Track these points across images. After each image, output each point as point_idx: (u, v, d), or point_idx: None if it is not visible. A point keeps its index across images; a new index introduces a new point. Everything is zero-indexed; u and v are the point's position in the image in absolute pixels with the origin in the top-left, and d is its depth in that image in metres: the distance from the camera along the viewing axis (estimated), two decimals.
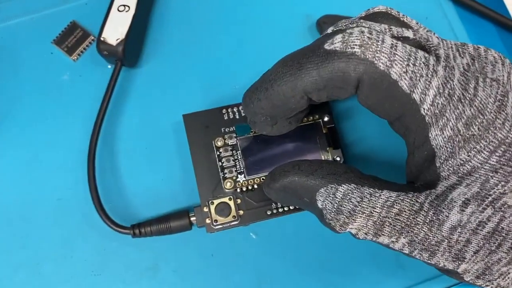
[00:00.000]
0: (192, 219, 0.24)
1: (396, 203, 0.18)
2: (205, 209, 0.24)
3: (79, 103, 0.27)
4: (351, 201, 0.19)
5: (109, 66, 0.28)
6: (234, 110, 0.25)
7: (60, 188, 0.26)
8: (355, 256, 0.26)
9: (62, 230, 0.25)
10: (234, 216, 0.24)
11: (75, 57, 0.28)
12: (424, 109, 0.17)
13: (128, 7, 0.26)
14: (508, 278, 0.19)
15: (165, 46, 0.29)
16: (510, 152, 0.17)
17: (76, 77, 0.28)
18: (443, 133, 0.17)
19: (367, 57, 0.17)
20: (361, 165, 0.26)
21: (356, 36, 0.17)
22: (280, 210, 0.24)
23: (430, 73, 0.17)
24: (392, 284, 0.25)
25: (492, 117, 0.17)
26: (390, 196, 0.19)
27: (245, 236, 0.26)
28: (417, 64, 0.17)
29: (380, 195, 0.19)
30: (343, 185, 0.19)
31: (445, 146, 0.18)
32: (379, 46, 0.17)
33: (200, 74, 0.28)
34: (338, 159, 0.25)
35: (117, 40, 0.26)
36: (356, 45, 0.17)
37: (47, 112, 0.27)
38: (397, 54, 0.17)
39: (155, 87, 0.28)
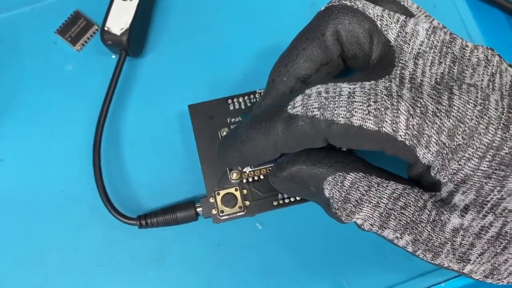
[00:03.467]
0: (198, 209, 0.24)
1: (402, 196, 0.18)
2: (211, 200, 0.24)
3: (84, 93, 0.27)
4: (358, 190, 0.19)
5: (114, 56, 0.27)
6: (240, 100, 0.25)
7: (65, 179, 0.26)
8: (362, 247, 0.25)
9: (67, 221, 0.25)
10: (240, 207, 0.24)
11: (79, 47, 0.28)
12: (400, 135, 0.17)
13: None
14: None
15: (170, 36, 0.28)
16: (500, 156, 0.17)
17: (80, 68, 0.28)
18: (429, 150, 0.17)
19: (327, 117, 0.17)
20: (367, 158, 0.26)
21: (314, 99, 0.18)
22: (287, 200, 0.24)
23: (395, 101, 0.17)
24: (400, 275, 0.25)
25: (474, 123, 0.17)
26: (397, 188, 0.19)
27: (252, 227, 0.26)
28: (378, 100, 0.17)
29: (387, 186, 0.19)
30: (351, 173, 0.19)
31: (436, 160, 0.17)
32: (336, 102, 0.17)
33: (205, 63, 0.28)
34: (344, 148, 0.24)
35: (121, 29, 0.25)
36: (315, 108, 0.17)
37: (51, 103, 0.27)
38: (355, 102, 0.17)
39: (160, 77, 0.28)
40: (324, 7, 0.21)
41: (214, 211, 0.24)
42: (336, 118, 0.17)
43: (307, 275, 0.25)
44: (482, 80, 0.18)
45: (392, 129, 0.17)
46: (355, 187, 0.19)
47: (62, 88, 0.27)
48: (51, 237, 0.25)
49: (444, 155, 0.17)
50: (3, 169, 0.26)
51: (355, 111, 0.17)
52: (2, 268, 0.25)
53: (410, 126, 0.17)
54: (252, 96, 0.25)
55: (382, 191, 0.19)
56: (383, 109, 0.17)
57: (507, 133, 0.17)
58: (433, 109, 0.17)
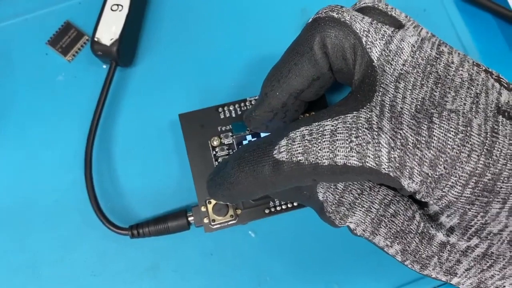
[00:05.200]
0: (190, 219, 0.24)
1: (392, 203, 0.19)
2: (203, 209, 0.24)
3: (75, 103, 0.27)
4: (351, 193, 0.19)
5: (104, 66, 0.27)
6: (230, 108, 0.25)
7: (58, 189, 0.26)
8: (355, 254, 0.25)
9: (60, 232, 0.25)
10: (231, 215, 0.24)
11: (70, 58, 0.28)
12: (384, 169, 0.17)
13: (122, 6, 0.26)
14: None
15: (160, 45, 0.28)
16: (483, 183, 0.17)
17: (71, 78, 0.28)
18: (413, 180, 0.17)
19: (311, 161, 0.17)
20: None
21: (298, 144, 0.18)
22: (278, 208, 0.24)
23: (376, 134, 0.17)
24: (393, 281, 0.25)
25: (456, 153, 0.16)
26: (388, 194, 0.19)
27: (244, 235, 0.26)
28: (360, 134, 0.17)
29: (378, 191, 0.19)
30: None
31: (421, 188, 0.17)
32: (319, 144, 0.17)
33: (195, 72, 0.28)
34: None
35: (111, 40, 0.26)
36: (299, 153, 0.17)
37: (43, 113, 0.27)
38: (337, 140, 0.17)
39: (151, 86, 0.28)
40: (311, 19, 0.20)
41: (205, 220, 0.24)
42: (320, 160, 0.17)
43: (300, 282, 0.25)
44: (465, 104, 0.17)
45: (375, 163, 0.17)
46: (348, 190, 0.19)
47: (54, 99, 0.27)
48: (44, 248, 0.25)
49: (428, 184, 0.17)
50: None
51: (338, 150, 0.17)
52: None
53: (392, 159, 0.17)
54: (242, 104, 0.25)
55: (374, 196, 0.19)
56: (364, 144, 0.17)
57: (490, 159, 0.16)
58: (413, 140, 0.17)
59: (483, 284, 0.19)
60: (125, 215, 0.26)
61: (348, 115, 0.18)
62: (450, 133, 0.17)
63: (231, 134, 0.25)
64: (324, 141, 0.17)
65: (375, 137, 0.17)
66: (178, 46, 0.28)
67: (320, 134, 0.18)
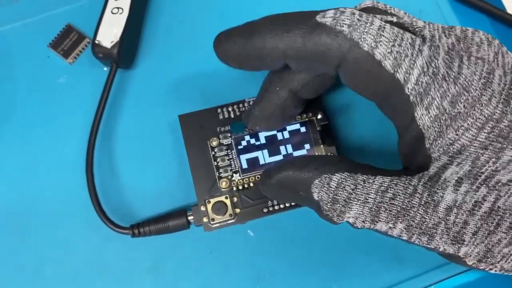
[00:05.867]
0: (189, 218, 0.24)
1: (390, 187, 0.19)
2: (202, 208, 0.24)
3: (76, 105, 0.27)
4: (345, 189, 0.19)
5: (105, 68, 0.28)
6: (229, 109, 0.26)
7: (60, 190, 0.26)
8: (352, 251, 0.26)
9: (62, 231, 0.26)
10: (230, 215, 0.24)
11: (71, 60, 0.28)
12: (408, 88, 0.17)
13: (122, 9, 0.26)
14: (511, 260, 0.19)
15: (160, 47, 0.29)
16: (499, 128, 0.17)
17: (73, 80, 0.28)
18: (429, 112, 0.17)
19: (353, 37, 0.17)
20: (355, 156, 0.26)
21: (347, 16, 0.18)
22: (276, 207, 0.25)
23: (415, 53, 0.17)
24: (391, 277, 0.25)
25: (478, 94, 0.17)
26: (384, 182, 0.19)
27: (243, 234, 0.26)
28: (402, 45, 0.17)
29: (373, 181, 0.19)
30: (336, 174, 0.19)
31: (433, 126, 0.18)
32: (366, 27, 0.17)
33: (194, 73, 0.28)
34: (329, 153, 0.25)
35: (111, 42, 0.26)
36: (345, 24, 0.18)
37: (45, 115, 0.27)
38: (383, 36, 0.17)
39: (151, 88, 0.28)
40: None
41: (205, 219, 0.24)
42: (362, 42, 0.17)
43: (298, 280, 0.25)
44: (489, 55, 0.19)
45: (404, 79, 0.17)
46: (341, 187, 0.19)
47: (55, 100, 0.28)
48: (46, 248, 0.25)
49: (442, 121, 0.18)
50: None
51: (381, 44, 0.17)
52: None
53: (419, 82, 0.17)
54: (241, 105, 0.26)
55: (369, 187, 0.19)
56: (403, 55, 0.17)
57: (508, 107, 0.17)
58: (444, 72, 0.17)
59: (490, 252, 0.19)
60: (126, 214, 0.26)
61: (395, 27, 0.18)
62: (475, 76, 0.17)
63: (229, 135, 0.25)
64: (372, 28, 0.17)
65: (414, 55, 0.17)
66: (177, 48, 0.29)
67: (369, 22, 0.18)
